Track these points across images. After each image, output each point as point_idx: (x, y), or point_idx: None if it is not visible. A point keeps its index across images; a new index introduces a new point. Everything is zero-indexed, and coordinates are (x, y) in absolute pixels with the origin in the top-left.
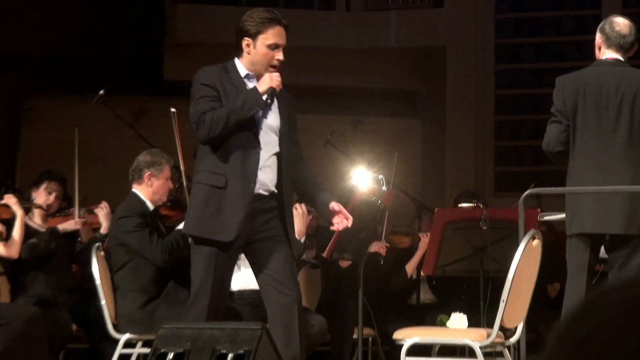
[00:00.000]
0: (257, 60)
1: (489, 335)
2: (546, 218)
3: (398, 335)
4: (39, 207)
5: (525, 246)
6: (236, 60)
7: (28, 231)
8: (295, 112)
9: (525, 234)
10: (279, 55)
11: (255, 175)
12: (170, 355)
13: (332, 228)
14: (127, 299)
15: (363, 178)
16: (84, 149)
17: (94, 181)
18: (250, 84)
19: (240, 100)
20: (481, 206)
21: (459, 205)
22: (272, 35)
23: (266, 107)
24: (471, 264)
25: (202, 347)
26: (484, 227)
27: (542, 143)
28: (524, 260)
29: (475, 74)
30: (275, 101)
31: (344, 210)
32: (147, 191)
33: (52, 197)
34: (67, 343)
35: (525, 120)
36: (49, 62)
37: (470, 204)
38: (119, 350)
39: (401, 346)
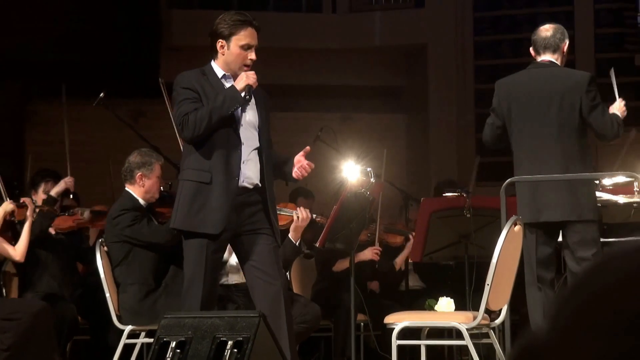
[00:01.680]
0: (232, 60)
1: (475, 318)
2: None
3: (389, 319)
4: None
5: (507, 232)
6: (212, 62)
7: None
8: (269, 110)
9: (506, 221)
10: (252, 55)
11: (239, 169)
12: (173, 344)
13: (294, 175)
14: (128, 293)
15: (352, 171)
16: (87, 150)
17: (97, 180)
18: (227, 84)
19: (220, 98)
20: (464, 195)
21: (444, 194)
22: (244, 36)
23: (245, 104)
24: (456, 250)
25: (203, 335)
26: (468, 215)
27: (482, 137)
28: (507, 245)
29: (456, 70)
30: (252, 98)
31: (305, 160)
32: (139, 190)
33: None
34: (73, 335)
35: None
36: (50, 67)
37: (455, 194)
38: (124, 340)
39: (392, 330)
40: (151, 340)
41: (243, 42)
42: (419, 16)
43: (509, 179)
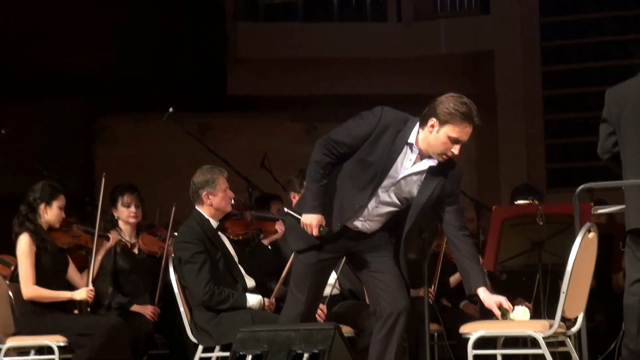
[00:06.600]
0: (434, 144)
1: (551, 326)
2: (600, 211)
3: (464, 329)
4: (105, 236)
5: (582, 239)
6: (418, 125)
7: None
8: (456, 185)
9: (580, 228)
10: (455, 149)
11: (345, 221)
12: (249, 358)
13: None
14: (195, 312)
15: None
16: (156, 164)
17: (167, 194)
18: (407, 154)
19: (313, 204)
20: (537, 202)
21: (515, 202)
22: (458, 131)
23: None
24: (529, 258)
25: (279, 348)
26: (540, 222)
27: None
28: (581, 252)
29: (523, 76)
30: (427, 170)
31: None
32: (208, 209)
33: (132, 209)
34: (149, 349)
35: (573, 118)
36: (117, 83)
37: (526, 201)
38: (199, 355)
39: (467, 340)
40: (227, 354)
41: (454, 135)
42: (485, 23)
43: (582, 186)
